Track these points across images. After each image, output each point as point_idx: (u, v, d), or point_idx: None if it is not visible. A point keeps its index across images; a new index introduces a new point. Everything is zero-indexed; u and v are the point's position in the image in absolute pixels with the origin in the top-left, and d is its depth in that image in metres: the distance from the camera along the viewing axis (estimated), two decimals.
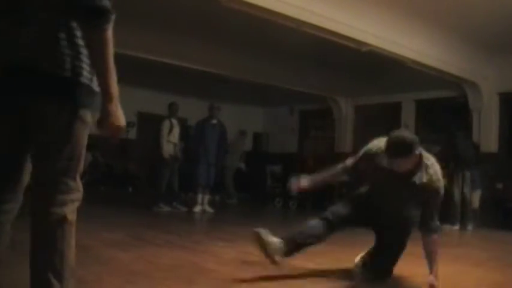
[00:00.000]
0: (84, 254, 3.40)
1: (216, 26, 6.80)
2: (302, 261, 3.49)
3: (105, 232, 4.48)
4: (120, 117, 1.61)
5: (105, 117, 1.59)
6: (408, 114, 10.49)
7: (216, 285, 2.71)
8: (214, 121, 7.65)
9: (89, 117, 1.65)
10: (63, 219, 1.57)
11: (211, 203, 7.94)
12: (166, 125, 7.46)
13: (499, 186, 8.06)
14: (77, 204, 1.64)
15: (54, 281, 1.53)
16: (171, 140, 7.48)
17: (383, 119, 10.81)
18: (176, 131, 7.57)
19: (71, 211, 1.60)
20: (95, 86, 1.63)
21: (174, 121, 7.57)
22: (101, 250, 3.62)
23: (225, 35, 7.20)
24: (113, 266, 3.04)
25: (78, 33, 1.58)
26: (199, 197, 7.55)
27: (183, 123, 8.76)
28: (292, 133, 13.20)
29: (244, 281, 2.78)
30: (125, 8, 6.65)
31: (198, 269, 3.09)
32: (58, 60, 1.54)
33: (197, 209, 7.41)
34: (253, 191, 11.82)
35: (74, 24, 1.57)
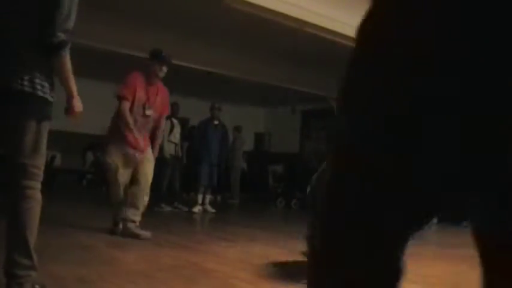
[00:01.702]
0: (86, 253, 3.41)
1: (217, 26, 6.81)
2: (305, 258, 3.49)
3: (106, 232, 4.48)
4: (80, 105, 2.22)
5: (70, 104, 2.20)
6: None
7: (218, 285, 2.71)
8: (216, 122, 7.66)
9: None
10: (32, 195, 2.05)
11: (213, 203, 7.94)
12: (167, 125, 7.47)
13: None
14: (39, 185, 2.08)
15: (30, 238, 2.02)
16: (171, 140, 7.48)
17: None
18: (177, 131, 7.58)
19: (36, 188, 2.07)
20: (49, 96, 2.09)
21: (175, 121, 7.58)
22: (102, 250, 3.63)
23: (227, 35, 7.20)
24: (114, 265, 3.04)
25: (36, 61, 2.06)
26: (200, 197, 7.55)
27: (184, 123, 8.76)
28: (294, 133, 13.21)
29: (245, 281, 2.78)
30: (126, 8, 6.67)
31: (199, 269, 3.09)
32: (24, 79, 2.00)
33: (196, 209, 7.40)
34: (255, 191, 11.82)
35: (37, 54, 2.05)
